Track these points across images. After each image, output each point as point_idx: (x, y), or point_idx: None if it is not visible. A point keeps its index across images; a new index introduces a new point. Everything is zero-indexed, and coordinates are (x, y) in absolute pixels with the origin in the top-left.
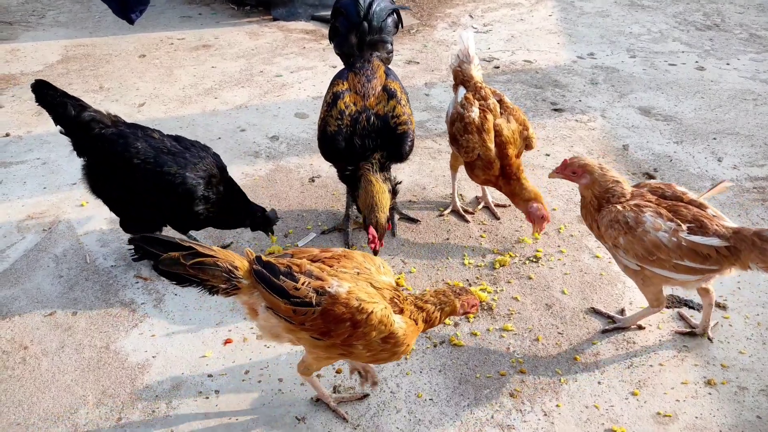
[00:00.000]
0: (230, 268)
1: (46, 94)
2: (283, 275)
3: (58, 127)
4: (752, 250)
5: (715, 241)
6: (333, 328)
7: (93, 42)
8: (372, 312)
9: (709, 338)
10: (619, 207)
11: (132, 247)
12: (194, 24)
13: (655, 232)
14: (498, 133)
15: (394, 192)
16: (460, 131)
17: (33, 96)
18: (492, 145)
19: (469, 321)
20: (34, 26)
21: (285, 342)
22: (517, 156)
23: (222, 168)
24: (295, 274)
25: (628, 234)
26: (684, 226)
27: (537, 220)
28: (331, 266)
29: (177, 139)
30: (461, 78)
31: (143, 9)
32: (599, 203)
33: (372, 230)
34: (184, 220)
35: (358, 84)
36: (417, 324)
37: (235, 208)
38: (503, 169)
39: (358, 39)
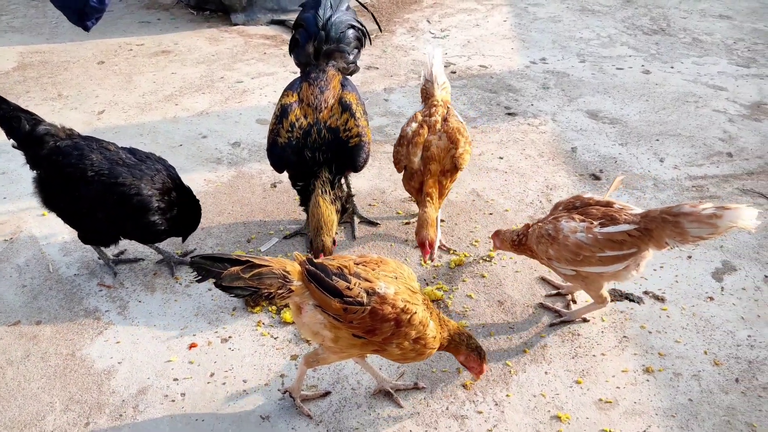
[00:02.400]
0: (284, 273)
1: None
2: (335, 276)
3: (11, 141)
4: (665, 227)
5: (625, 227)
6: (378, 327)
7: (50, 48)
8: (415, 313)
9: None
10: (540, 224)
11: (194, 270)
12: (153, 29)
13: (573, 234)
14: (426, 148)
15: (343, 209)
16: (396, 143)
17: None
18: (416, 158)
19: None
20: None
21: (319, 340)
22: (444, 173)
23: (177, 179)
24: (346, 275)
25: (553, 243)
26: (596, 223)
27: (420, 247)
28: (373, 270)
29: (132, 151)
30: (425, 95)
31: (99, 17)
32: (519, 243)
33: (319, 254)
34: (142, 232)
35: (311, 96)
36: (440, 338)
37: (192, 215)
38: (421, 184)
39: (314, 48)
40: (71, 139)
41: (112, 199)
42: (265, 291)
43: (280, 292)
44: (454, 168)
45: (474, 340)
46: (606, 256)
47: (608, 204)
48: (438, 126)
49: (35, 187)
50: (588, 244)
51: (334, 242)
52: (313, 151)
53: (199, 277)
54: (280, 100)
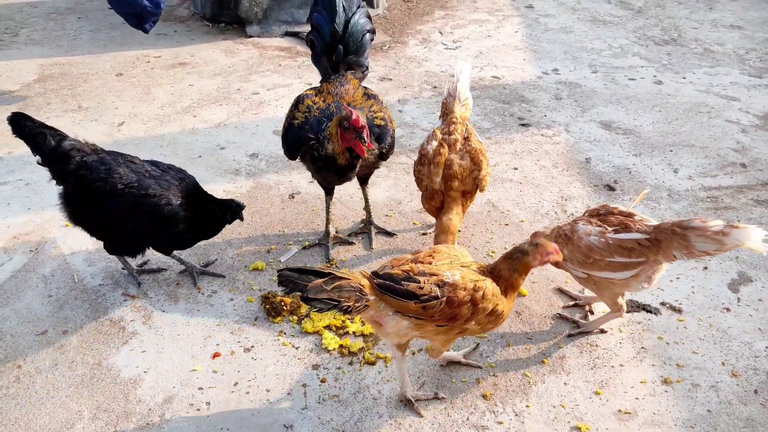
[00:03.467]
0: (360, 286)
1: (24, 126)
2: (404, 280)
3: (36, 158)
4: (673, 239)
5: (636, 235)
6: (458, 312)
7: (69, 60)
8: (485, 287)
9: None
10: (560, 225)
11: (280, 281)
12: (170, 42)
13: (587, 237)
14: (447, 167)
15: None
16: (417, 162)
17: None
18: (438, 178)
19: None
20: (8, 44)
21: (406, 339)
22: (464, 194)
23: (198, 186)
24: (413, 276)
25: (568, 244)
26: (610, 229)
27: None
28: (430, 263)
29: (154, 163)
30: (444, 110)
31: (156, 20)
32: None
33: (359, 120)
34: (171, 241)
35: (331, 87)
36: (505, 293)
37: (214, 217)
38: (441, 203)
39: (333, 61)
40: (97, 154)
41: (143, 210)
42: (345, 304)
43: (357, 305)
44: (475, 189)
45: (511, 250)
46: (615, 262)
47: (629, 215)
48: (459, 145)
49: (61, 202)
50: (599, 247)
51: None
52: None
53: (287, 290)
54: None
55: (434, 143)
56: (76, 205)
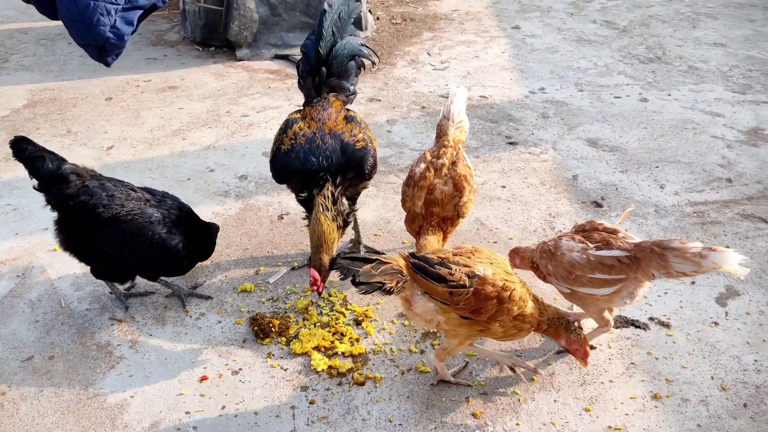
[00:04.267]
0: (400, 268)
1: (25, 149)
2: (438, 265)
3: (33, 182)
4: (652, 258)
5: (615, 252)
6: (483, 305)
7: (59, 86)
8: (514, 290)
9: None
10: (546, 240)
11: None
12: (160, 66)
13: (570, 253)
14: (430, 191)
15: (345, 224)
16: (404, 183)
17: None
18: (420, 202)
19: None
20: None
21: (433, 326)
22: (444, 220)
23: (190, 211)
24: (447, 263)
25: (552, 260)
26: (592, 246)
27: None
28: (468, 258)
29: (149, 191)
30: (438, 132)
31: (119, 52)
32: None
33: (314, 272)
34: (168, 268)
35: (314, 112)
36: (537, 317)
37: (204, 241)
38: (420, 228)
39: (315, 83)
40: (98, 179)
41: (144, 238)
42: (388, 286)
43: (398, 286)
44: (457, 215)
45: (572, 323)
46: (596, 278)
47: (614, 231)
48: (445, 170)
49: (56, 228)
50: (580, 263)
51: (332, 260)
52: (317, 155)
53: (342, 276)
54: (285, 120)
55: (422, 165)
56: (73, 232)
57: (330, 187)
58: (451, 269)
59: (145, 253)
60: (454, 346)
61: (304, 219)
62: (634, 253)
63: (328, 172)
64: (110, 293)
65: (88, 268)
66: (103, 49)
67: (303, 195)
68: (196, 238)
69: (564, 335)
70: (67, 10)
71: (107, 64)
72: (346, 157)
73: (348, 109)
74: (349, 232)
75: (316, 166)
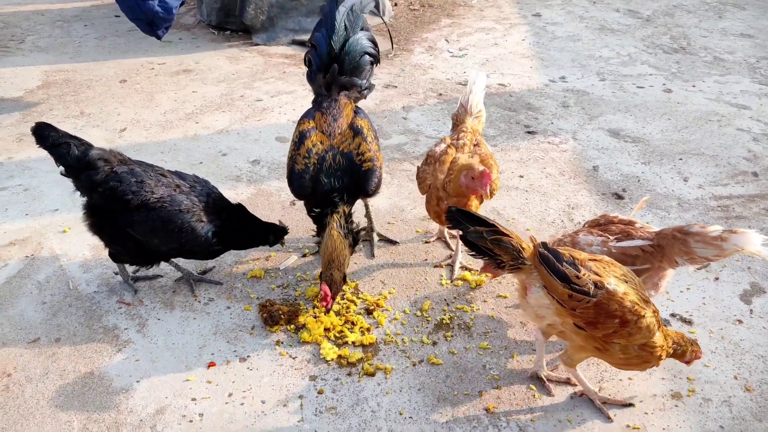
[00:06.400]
0: (519, 248)
1: (48, 136)
2: (567, 263)
3: (60, 169)
4: (674, 245)
5: (639, 242)
6: (601, 321)
7: (73, 67)
8: (643, 317)
9: None
10: (561, 237)
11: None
12: (175, 49)
13: (589, 247)
14: (453, 162)
15: (355, 243)
16: (422, 163)
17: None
18: (441, 176)
19: (447, 340)
20: (14, 51)
21: (544, 324)
22: (477, 198)
23: (225, 201)
24: (578, 265)
25: None
26: (612, 238)
27: (476, 181)
28: (603, 267)
29: (181, 176)
30: (455, 121)
31: (168, 26)
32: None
33: (325, 287)
34: (198, 255)
35: (324, 123)
36: (667, 348)
37: (248, 234)
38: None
39: (327, 79)
40: (126, 164)
41: (174, 226)
42: (499, 258)
43: (511, 263)
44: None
45: (686, 338)
46: None
47: (630, 223)
48: (467, 149)
49: (84, 212)
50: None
51: (344, 278)
52: (329, 176)
53: (450, 225)
54: (297, 127)
55: (442, 146)
56: (101, 217)
57: (343, 207)
58: (580, 272)
59: (175, 241)
60: (573, 354)
61: (314, 236)
62: (657, 241)
63: (339, 192)
64: (116, 274)
65: (97, 250)
66: (152, 23)
67: (315, 211)
68: (231, 225)
69: (688, 354)
70: None
71: (159, 38)
72: (354, 178)
73: (357, 111)
74: (363, 221)
75: (328, 187)
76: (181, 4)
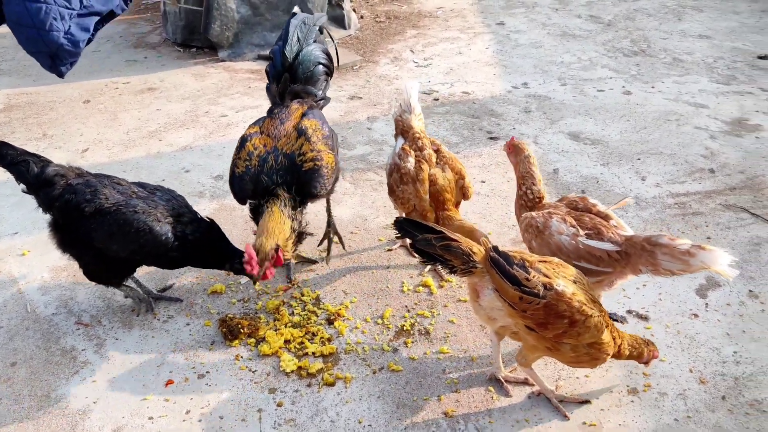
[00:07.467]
0: (469, 252)
1: (7, 155)
2: (517, 266)
3: (21, 186)
4: (641, 255)
5: (607, 246)
6: (551, 322)
7: (37, 90)
8: (591, 316)
9: None
10: (533, 213)
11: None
12: (140, 68)
13: (558, 235)
14: (432, 182)
15: (299, 236)
16: (397, 182)
17: None
18: (426, 196)
19: (407, 347)
20: None
21: (496, 326)
22: (456, 205)
23: (189, 208)
24: (527, 267)
25: (538, 237)
26: (582, 232)
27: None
28: (553, 269)
29: (141, 185)
30: (401, 127)
31: (74, 61)
32: (520, 201)
33: (251, 250)
34: (158, 262)
35: (272, 127)
36: (614, 346)
37: (213, 248)
38: (438, 219)
39: (280, 88)
40: (82, 177)
41: (131, 227)
42: (450, 263)
43: (462, 268)
44: (462, 198)
45: (640, 339)
46: (581, 267)
47: (606, 217)
48: (434, 159)
49: (50, 229)
50: (567, 249)
51: (277, 249)
52: (270, 175)
53: (399, 235)
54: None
55: (411, 160)
56: (64, 232)
57: (285, 193)
58: (530, 274)
59: (133, 242)
60: (527, 354)
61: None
62: (625, 248)
63: (281, 186)
64: (125, 297)
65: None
66: (56, 56)
67: (253, 203)
68: (193, 231)
69: (645, 355)
70: (15, 14)
71: (60, 75)
72: (297, 178)
73: (306, 115)
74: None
75: (268, 183)
76: (89, 42)
